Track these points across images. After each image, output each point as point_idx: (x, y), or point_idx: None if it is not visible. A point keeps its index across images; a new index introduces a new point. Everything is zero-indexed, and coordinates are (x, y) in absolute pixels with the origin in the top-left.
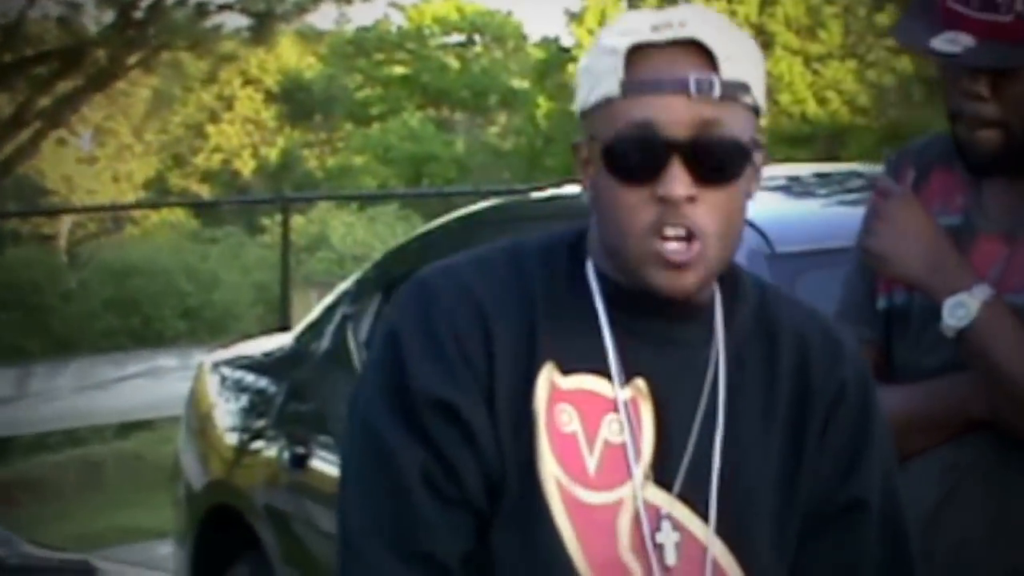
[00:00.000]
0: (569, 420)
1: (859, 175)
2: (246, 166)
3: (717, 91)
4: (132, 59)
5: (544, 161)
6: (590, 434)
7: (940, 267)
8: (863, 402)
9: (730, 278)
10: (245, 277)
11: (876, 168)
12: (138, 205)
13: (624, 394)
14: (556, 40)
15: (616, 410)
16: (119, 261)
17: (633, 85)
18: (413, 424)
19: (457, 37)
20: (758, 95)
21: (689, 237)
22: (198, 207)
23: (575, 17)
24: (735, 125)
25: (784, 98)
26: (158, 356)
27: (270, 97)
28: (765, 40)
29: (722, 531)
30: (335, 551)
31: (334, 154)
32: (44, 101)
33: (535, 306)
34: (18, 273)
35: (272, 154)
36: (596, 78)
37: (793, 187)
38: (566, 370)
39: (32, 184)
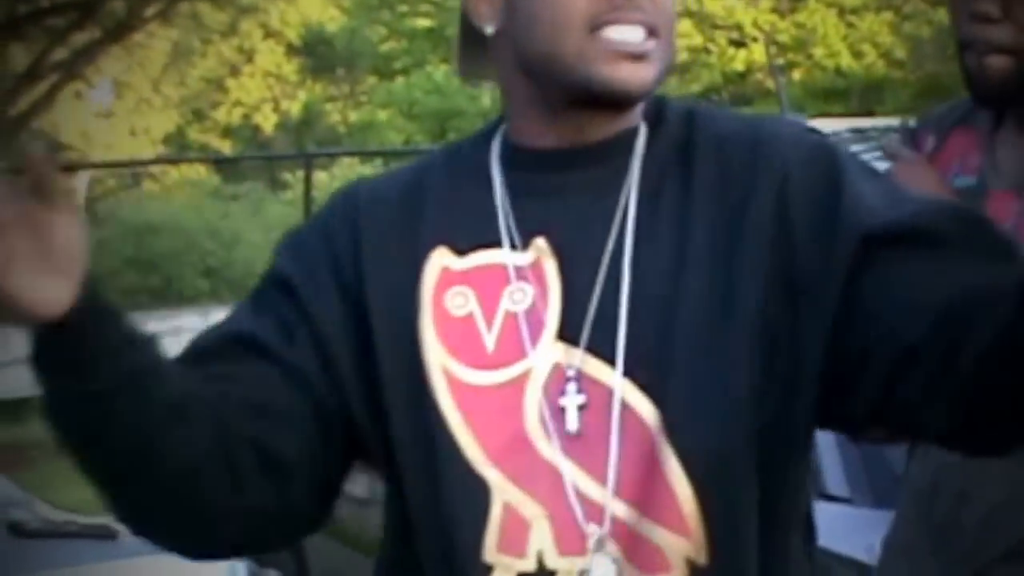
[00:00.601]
0: (464, 302)
1: (894, 131)
2: (267, 121)
3: None
4: (150, 10)
5: None
6: (489, 311)
7: None
8: (824, 174)
9: (653, 105)
10: (267, 235)
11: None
12: (157, 160)
13: (524, 258)
14: None
15: (518, 278)
16: (138, 218)
17: None
18: (257, 298)
19: None
20: None
21: (649, 33)
22: (218, 163)
23: None
24: None
25: (818, 51)
26: (179, 315)
27: (292, 50)
28: None
29: (633, 373)
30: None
31: (357, 109)
32: (60, 53)
33: (426, 195)
34: None
35: (294, 108)
36: None
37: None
38: (462, 250)
39: (48, 139)
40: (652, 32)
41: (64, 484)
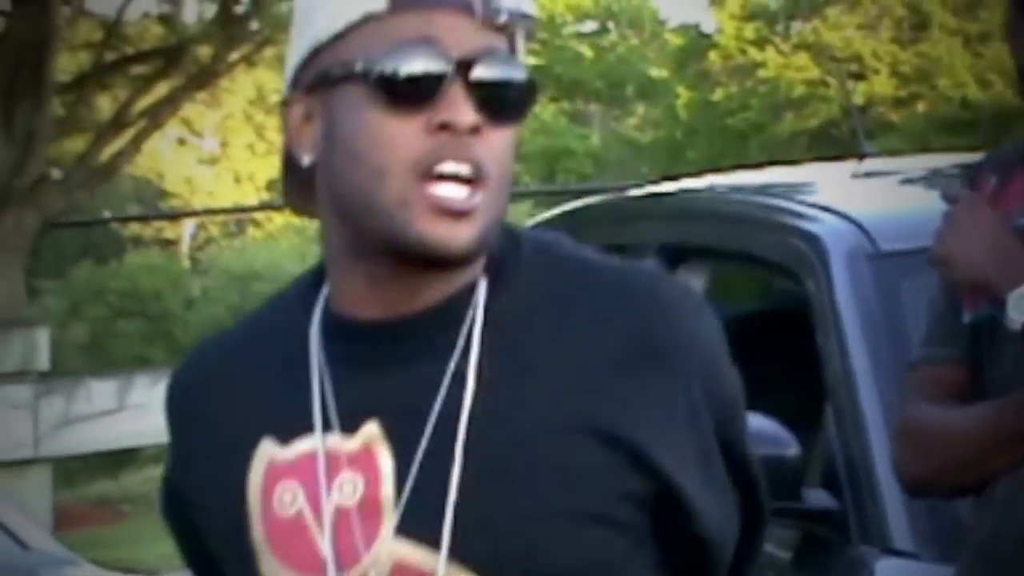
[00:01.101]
0: (292, 500)
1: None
2: None
3: (503, 17)
4: (234, 55)
5: (685, 154)
6: (318, 508)
7: (1005, 263)
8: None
9: (506, 244)
10: None
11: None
12: (261, 207)
13: (353, 444)
14: (696, 26)
15: (348, 467)
16: (242, 265)
17: None
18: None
19: (591, 25)
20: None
21: (472, 179)
22: None
23: (715, 1)
24: (520, 60)
25: (943, 82)
26: None
27: None
28: (921, 20)
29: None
30: None
31: None
32: (145, 101)
33: (238, 382)
34: (140, 280)
35: None
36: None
37: (903, 181)
38: (286, 439)
39: (152, 187)
40: (478, 175)
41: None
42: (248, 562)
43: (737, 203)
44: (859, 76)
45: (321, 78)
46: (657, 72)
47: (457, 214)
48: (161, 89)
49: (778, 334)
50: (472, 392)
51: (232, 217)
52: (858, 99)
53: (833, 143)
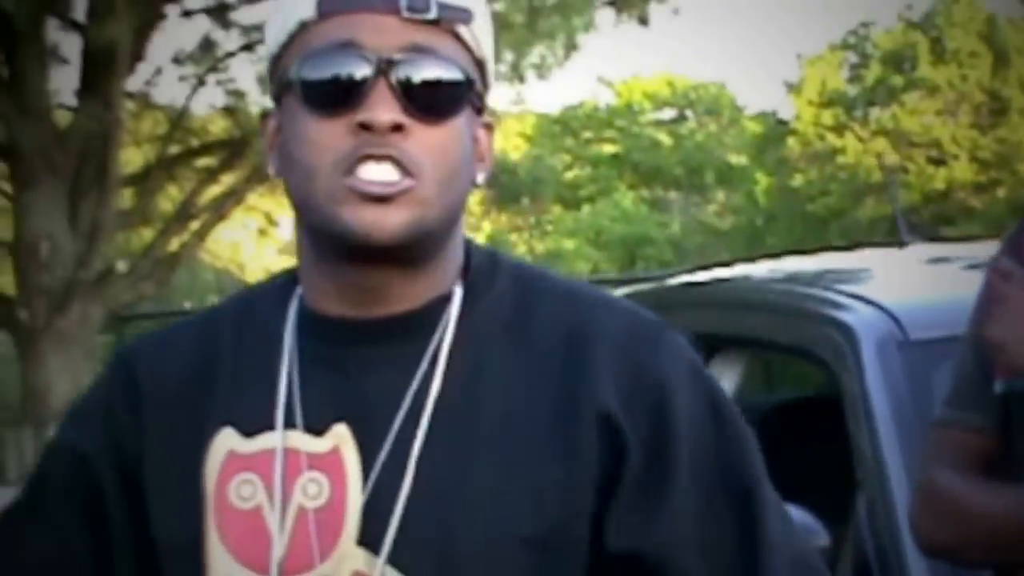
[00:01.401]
0: (252, 493)
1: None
2: None
3: (433, 11)
4: None
5: (765, 240)
6: (280, 504)
7: None
8: (659, 407)
9: (481, 270)
10: None
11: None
12: None
13: (321, 444)
14: (774, 113)
15: (312, 467)
16: None
17: (333, 2)
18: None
19: (669, 112)
20: (483, 41)
21: (396, 166)
22: None
23: (793, 88)
24: (453, 56)
25: (1023, 167)
26: None
27: None
28: (1001, 106)
29: None
30: None
31: (543, 238)
32: (211, 192)
33: (215, 362)
34: None
35: (479, 239)
36: (288, 9)
37: (934, 269)
38: (249, 431)
39: (233, 278)
40: (405, 169)
41: None
42: (194, 548)
43: (771, 292)
44: (938, 161)
45: (276, 90)
46: (736, 158)
47: (381, 199)
48: (226, 181)
49: (811, 423)
50: (432, 405)
51: None
52: (938, 184)
53: (913, 229)
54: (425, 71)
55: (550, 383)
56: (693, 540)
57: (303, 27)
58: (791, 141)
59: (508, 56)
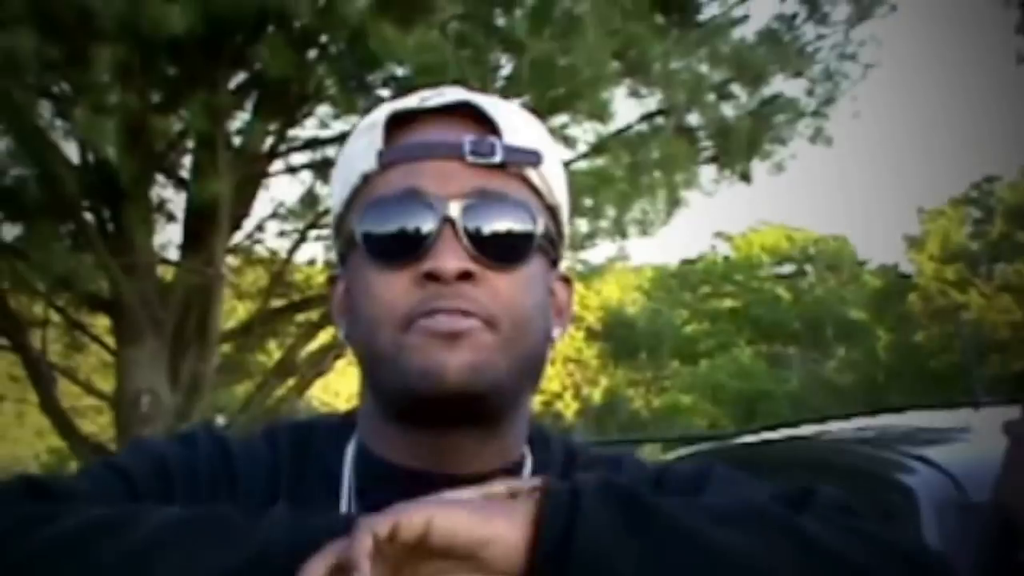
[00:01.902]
0: None
1: None
2: (569, 408)
3: (499, 155)
4: None
5: (887, 397)
6: None
7: None
8: None
9: (540, 442)
10: None
11: None
12: None
13: None
14: (895, 267)
15: None
16: None
17: (394, 153)
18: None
19: (788, 266)
20: (554, 185)
21: (467, 317)
22: None
23: (915, 242)
24: (523, 202)
25: None
26: None
27: (592, 335)
28: None
29: None
30: None
31: (661, 393)
32: (309, 347)
33: (275, 485)
34: None
35: (595, 394)
36: (351, 164)
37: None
38: None
39: None
40: (476, 319)
41: None
42: None
43: (838, 453)
44: None
45: (341, 248)
46: (856, 314)
47: (449, 336)
48: (324, 335)
49: None
50: None
51: None
52: None
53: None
54: (492, 216)
55: None
56: None
57: (366, 180)
58: (913, 296)
59: (610, 211)
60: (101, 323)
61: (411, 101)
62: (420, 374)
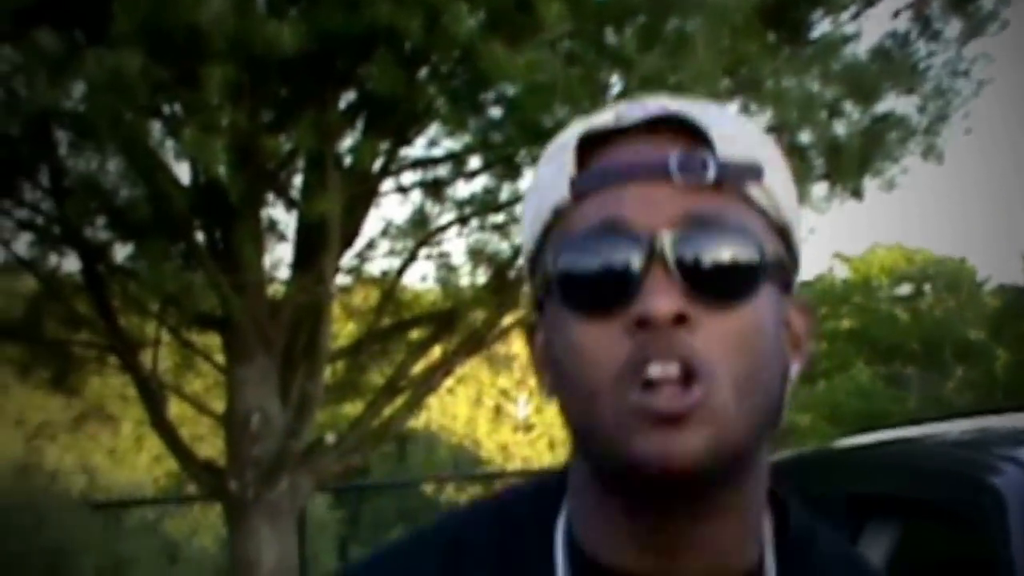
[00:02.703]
0: None
1: None
2: None
3: (712, 172)
4: (506, 320)
5: None
6: None
7: None
8: None
9: (799, 536)
10: None
11: None
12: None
13: None
14: (1014, 286)
15: None
16: None
17: (589, 179)
18: None
19: (906, 287)
20: (782, 202)
21: (686, 377)
22: None
23: None
24: (744, 222)
25: None
26: None
27: None
28: None
29: None
30: None
31: None
32: (418, 366)
33: None
34: None
35: None
36: (540, 196)
37: None
38: None
39: (468, 454)
40: (691, 376)
41: None
42: None
43: (926, 456)
44: None
45: (537, 292)
46: (975, 334)
47: (670, 420)
48: (434, 353)
49: None
50: None
51: None
52: None
53: None
54: (709, 246)
55: None
56: None
57: (558, 215)
58: None
59: None
60: (212, 342)
61: (607, 116)
62: (636, 462)
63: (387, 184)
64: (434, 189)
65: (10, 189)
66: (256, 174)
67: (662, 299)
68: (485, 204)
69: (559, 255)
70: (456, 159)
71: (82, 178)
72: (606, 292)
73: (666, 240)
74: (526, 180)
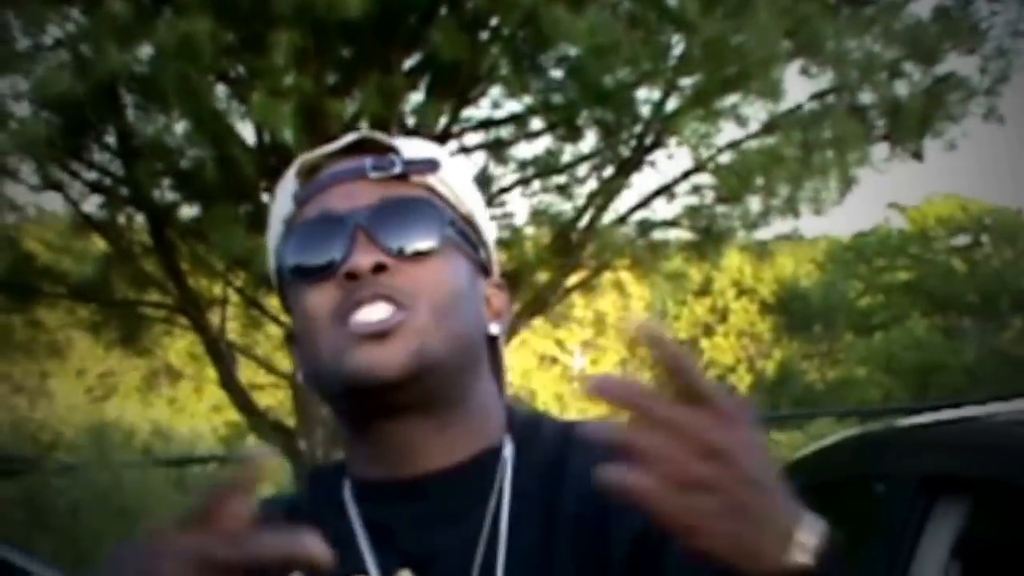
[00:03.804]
0: None
1: None
2: (742, 381)
3: (398, 167)
4: (571, 280)
5: None
6: None
7: None
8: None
9: (526, 427)
10: None
11: None
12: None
13: None
14: None
15: None
16: None
17: (306, 189)
18: None
19: (963, 238)
20: (464, 198)
21: (388, 302)
22: None
23: None
24: (428, 202)
25: None
26: None
27: (765, 308)
28: None
29: None
30: None
31: (835, 366)
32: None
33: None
34: None
35: (769, 367)
36: (274, 221)
37: None
38: None
39: (522, 404)
40: (400, 305)
41: None
42: None
43: (996, 433)
44: None
45: (283, 295)
46: None
47: (378, 335)
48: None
49: None
50: (504, 558)
51: None
52: None
53: None
54: (399, 217)
55: (585, 523)
56: None
57: (288, 225)
58: None
59: (783, 190)
60: (278, 302)
61: (319, 150)
62: (355, 372)
63: (450, 146)
64: (497, 150)
65: (79, 151)
66: (321, 136)
67: (363, 257)
68: (547, 165)
69: (287, 247)
70: (518, 121)
71: (149, 141)
72: (325, 264)
73: (364, 217)
74: (588, 142)
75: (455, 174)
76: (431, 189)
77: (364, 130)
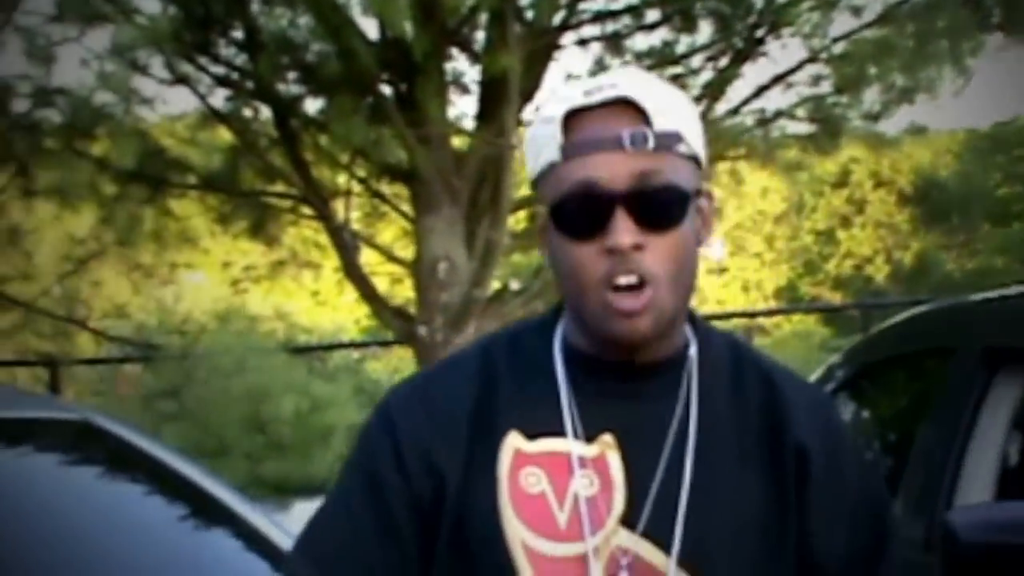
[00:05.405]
0: (537, 481)
1: None
2: (879, 271)
3: (651, 143)
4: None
5: None
6: (559, 491)
7: None
8: (831, 460)
9: (702, 331)
10: None
11: None
12: (769, 312)
13: (590, 450)
14: None
15: (585, 466)
16: None
17: (572, 148)
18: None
19: None
20: (694, 144)
21: (640, 284)
22: (827, 312)
23: None
24: (673, 173)
25: None
26: None
27: (903, 199)
28: None
29: (686, 562)
30: None
31: (973, 256)
32: None
33: (497, 387)
34: None
35: (907, 258)
36: (539, 147)
37: None
38: (532, 435)
39: None
40: (643, 284)
41: None
42: (491, 516)
43: None
44: None
45: (538, 199)
46: None
47: (631, 314)
48: None
49: None
50: (696, 423)
51: (740, 323)
52: None
53: None
54: (653, 193)
55: (763, 424)
56: (845, 552)
57: (552, 167)
58: None
59: (898, 80)
60: (401, 192)
61: (577, 96)
62: (614, 338)
63: (567, 38)
64: (613, 42)
65: (206, 46)
66: (439, 30)
67: (624, 235)
68: (663, 56)
69: (555, 200)
70: (634, 12)
71: (274, 35)
72: (587, 228)
73: (623, 191)
74: (703, 33)
75: (692, 127)
76: (676, 153)
77: (621, 83)
